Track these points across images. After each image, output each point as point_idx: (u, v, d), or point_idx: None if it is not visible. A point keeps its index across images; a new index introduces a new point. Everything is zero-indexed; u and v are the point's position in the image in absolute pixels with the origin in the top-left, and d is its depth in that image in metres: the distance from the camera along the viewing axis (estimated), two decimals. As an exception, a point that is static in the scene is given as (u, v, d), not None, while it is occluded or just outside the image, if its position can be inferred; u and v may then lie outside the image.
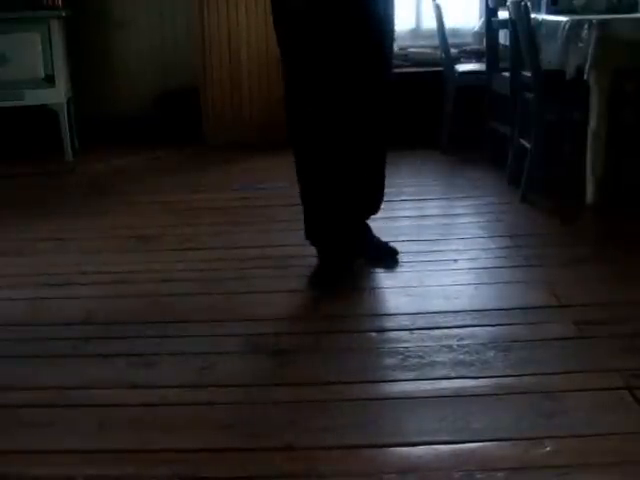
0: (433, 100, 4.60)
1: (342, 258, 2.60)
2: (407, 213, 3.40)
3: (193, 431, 1.73)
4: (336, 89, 2.43)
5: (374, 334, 2.18)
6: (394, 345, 2.10)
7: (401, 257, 2.80)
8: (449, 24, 4.63)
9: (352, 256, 2.64)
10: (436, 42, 4.61)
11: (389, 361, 2.01)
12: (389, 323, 2.24)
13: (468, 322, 2.23)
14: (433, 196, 3.66)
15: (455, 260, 2.76)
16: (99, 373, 2.02)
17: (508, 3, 3.59)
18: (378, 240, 2.75)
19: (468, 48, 4.92)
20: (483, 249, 2.88)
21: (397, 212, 3.45)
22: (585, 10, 3.54)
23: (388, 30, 2.56)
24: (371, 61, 2.48)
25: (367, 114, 2.52)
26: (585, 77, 3.11)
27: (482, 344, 2.08)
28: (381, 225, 3.25)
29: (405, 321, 2.25)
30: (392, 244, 2.76)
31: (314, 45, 2.38)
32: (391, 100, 2.58)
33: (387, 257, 2.71)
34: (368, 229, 2.73)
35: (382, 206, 2.75)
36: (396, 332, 2.18)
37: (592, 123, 3.24)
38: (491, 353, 2.03)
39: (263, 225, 3.15)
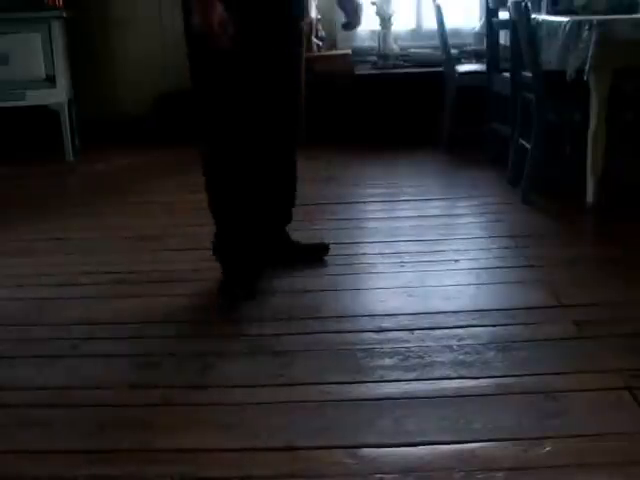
0: (433, 100, 4.60)
1: (250, 274, 2.56)
2: (407, 213, 3.39)
3: (193, 431, 1.73)
4: (247, 107, 2.39)
5: (374, 334, 2.18)
6: (394, 345, 2.10)
7: (402, 257, 2.80)
8: (450, 24, 4.63)
9: (259, 271, 2.61)
10: (437, 42, 4.62)
11: (389, 361, 2.01)
12: (389, 323, 2.24)
13: (468, 322, 2.23)
14: (433, 196, 3.66)
15: (455, 260, 2.76)
16: (99, 373, 2.02)
17: (508, 4, 3.59)
18: (300, 244, 2.77)
19: (469, 48, 4.92)
20: (483, 249, 2.88)
21: (397, 212, 3.45)
22: (585, 10, 3.55)
23: (296, 52, 2.53)
24: (281, 82, 2.46)
25: (277, 130, 2.50)
26: (585, 77, 3.11)
27: (482, 344, 2.08)
28: (381, 225, 3.27)
29: (405, 321, 2.25)
30: (324, 240, 2.84)
31: (229, 74, 2.34)
32: (299, 117, 2.57)
33: (313, 257, 2.75)
34: (287, 236, 2.76)
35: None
36: (396, 332, 2.18)
37: (592, 123, 3.23)
38: (491, 353, 2.03)
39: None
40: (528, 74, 3.47)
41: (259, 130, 2.44)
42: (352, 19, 2.59)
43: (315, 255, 2.74)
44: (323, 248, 2.77)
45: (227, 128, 2.42)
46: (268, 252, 2.67)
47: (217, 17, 2.10)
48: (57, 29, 4.54)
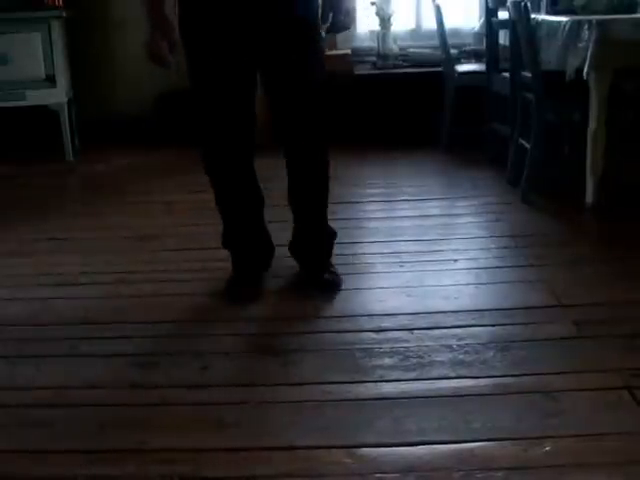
0: (433, 100, 4.60)
1: (254, 268, 2.58)
2: (407, 213, 3.40)
3: (193, 431, 1.73)
4: (238, 108, 2.36)
5: (374, 334, 2.18)
6: (394, 345, 2.10)
7: (401, 257, 2.81)
8: (449, 24, 4.62)
9: (263, 267, 2.63)
10: (436, 42, 4.61)
11: (389, 361, 2.01)
12: (389, 323, 2.24)
13: (468, 322, 2.23)
14: (433, 196, 3.66)
15: (455, 260, 2.76)
16: (99, 373, 2.02)
17: (508, 3, 3.59)
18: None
19: (468, 48, 4.92)
20: (483, 249, 2.88)
21: (397, 212, 3.45)
22: (585, 10, 3.54)
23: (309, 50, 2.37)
24: (283, 84, 2.37)
25: (288, 131, 2.44)
26: (585, 77, 3.11)
27: (482, 344, 2.08)
28: (381, 225, 3.27)
29: (405, 321, 2.25)
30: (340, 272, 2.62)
31: (219, 70, 2.32)
32: (319, 119, 2.42)
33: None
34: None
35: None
36: (396, 332, 2.18)
37: (592, 123, 3.23)
38: (491, 353, 2.03)
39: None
40: (527, 74, 3.47)
41: (246, 130, 2.42)
42: (340, 20, 2.44)
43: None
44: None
45: (216, 129, 2.39)
46: (271, 253, 2.67)
47: (155, 47, 2.31)
48: (57, 29, 4.54)
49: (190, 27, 2.33)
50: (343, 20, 2.42)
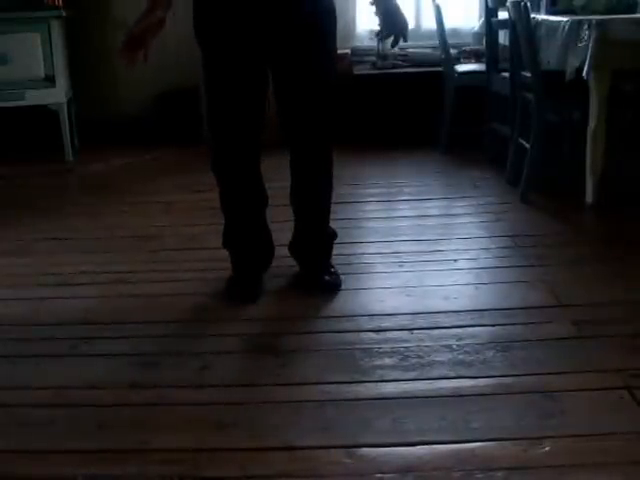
0: (433, 100, 4.60)
1: (254, 268, 2.58)
2: (407, 213, 3.40)
3: (193, 431, 1.73)
4: (246, 107, 2.37)
5: (374, 334, 2.18)
6: (394, 345, 2.10)
7: (401, 257, 2.80)
8: (449, 24, 4.63)
9: (263, 267, 2.63)
10: (436, 42, 4.61)
11: (389, 361, 2.01)
12: (389, 323, 2.24)
13: (468, 322, 2.23)
14: (433, 196, 3.66)
15: (455, 260, 2.76)
16: (99, 373, 2.02)
17: (508, 3, 3.59)
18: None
19: (468, 48, 4.92)
20: (483, 249, 2.88)
21: (397, 212, 3.46)
22: (584, 10, 3.55)
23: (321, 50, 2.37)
24: (289, 82, 2.37)
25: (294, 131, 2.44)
26: (584, 77, 3.11)
27: (482, 344, 2.08)
28: (381, 225, 3.27)
29: (405, 321, 2.25)
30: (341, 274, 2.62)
31: (235, 72, 2.33)
32: (325, 118, 2.42)
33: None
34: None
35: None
36: (396, 332, 2.18)
37: (591, 123, 3.24)
38: (490, 353, 2.03)
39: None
40: (527, 74, 3.48)
41: (256, 129, 2.42)
42: (398, 36, 2.40)
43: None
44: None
45: (227, 125, 2.40)
46: (271, 255, 2.66)
47: (127, 48, 2.38)
48: (56, 29, 4.54)
49: (204, 25, 2.34)
50: (399, 33, 2.42)
